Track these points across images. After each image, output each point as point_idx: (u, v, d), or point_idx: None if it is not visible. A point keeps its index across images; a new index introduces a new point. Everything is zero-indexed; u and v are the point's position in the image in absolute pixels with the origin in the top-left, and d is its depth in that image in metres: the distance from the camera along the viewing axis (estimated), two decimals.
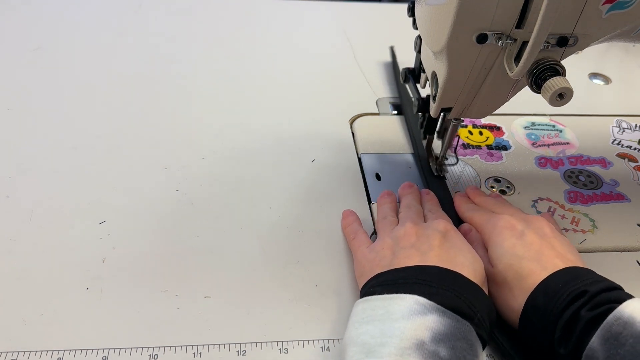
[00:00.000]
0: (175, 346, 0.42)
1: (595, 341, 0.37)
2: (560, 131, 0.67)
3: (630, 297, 0.39)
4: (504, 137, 0.66)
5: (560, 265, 0.42)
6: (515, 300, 0.42)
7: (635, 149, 0.66)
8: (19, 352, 0.41)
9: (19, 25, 0.80)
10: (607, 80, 0.79)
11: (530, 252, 0.43)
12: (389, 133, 0.65)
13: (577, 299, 0.39)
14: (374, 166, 0.60)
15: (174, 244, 0.50)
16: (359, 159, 0.62)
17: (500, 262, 0.44)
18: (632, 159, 0.64)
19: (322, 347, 0.43)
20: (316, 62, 0.78)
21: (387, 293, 0.39)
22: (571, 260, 0.43)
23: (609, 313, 0.37)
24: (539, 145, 0.65)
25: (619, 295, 0.39)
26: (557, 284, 0.40)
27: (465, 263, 0.42)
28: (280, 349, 0.43)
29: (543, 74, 0.40)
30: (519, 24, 0.40)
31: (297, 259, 0.50)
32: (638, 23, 0.43)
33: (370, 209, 0.55)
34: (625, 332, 0.36)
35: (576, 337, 0.38)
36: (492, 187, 0.58)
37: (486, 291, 0.43)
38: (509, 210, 0.50)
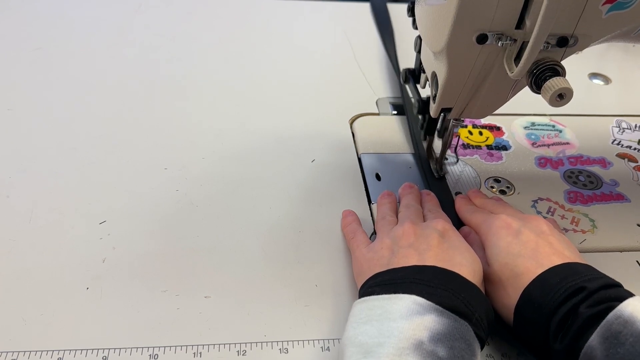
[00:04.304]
0: (175, 346, 0.42)
1: (594, 339, 0.37)
2: (560, 131, 0.67)
3: (629, 294, 0.39)
4: (504, 137, 0.66)
5: (557, 262, 0.41)
6: (510, 298, 0.42)
7: (635, 149, 0.66)
8: (19, 352, 0.41)
9: (19, 25, 0.80)
10: (607, 80, 0.79)
11: (526, 250, 0.43)
12: (389, 133, 0.65)
13: (575, 294, 0.39)
14: (374, 166, 0.60)
15: (174, 244, 0.50)
16: (359, 159, 0.62)
17: (496, 262, 0.43)
18: (632, 159, 0.64)
19: (322, 347, 0.43)
20: (316, 62, 0.78)
21: (385, 293, 0.39)
22: (569, 257, 0.42)
23: (609, 311, 0.37)
24: (539, 145, 0.65)
25: (618, 292, 0.39)
26: (554, 279, 0.40)
27: (464, 263, 0.42)
28: (280, 349, 0.43)
29: (543, 74, 0.40)
30: (519, 24, 0.40)
31: (297, 259, 0.50)
32: (638, 23, 0.43)
33: (370, 209, 0.55)
34: (625, 331, 0.36)
35: (574, 333, 0.38)
36: (492, 187, 0.58)
37: (484, 291, 0.43)
38: (508, 211, 0.50)
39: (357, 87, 0.73)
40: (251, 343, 0.43)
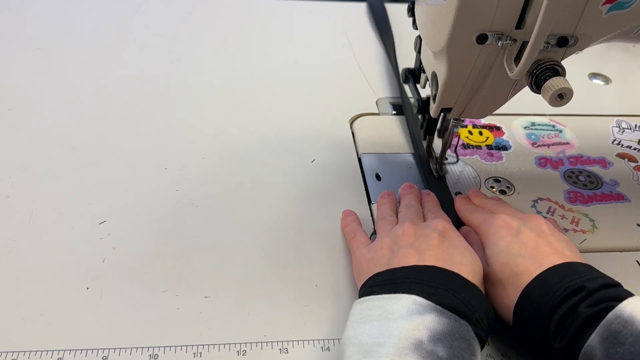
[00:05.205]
0: (175, 346, 0.42)
1: (594, 339, 0.37)
2: (560, 131, 0.67)
3: (629, 294, 0.39)
4: (504, 137, 0.66)
5: (557, 261, 0.41)
6: (510, 298, 0.42)
7: (635, 149, 0.66)
8: (19, 352, 0.41)
9: (19, 25, 0.80)
10: (607, 80, 0.79)
11: (526, 250, 0.43)
12: (389, 133, 0.65)
13: (575, 294, 0.39)
14: (374, 166, 0.60)
15: (174, 244, 0.50)
16: (359, 159, 0.62)
17: (496, 261, 0.43)
18: (632, 159, 0.64)
19: (322, 347, 0.43)
20: (316, 62, 0.78)
21: (385, 293, 0.39)
22: (569, 256, 0.42)
23: (609, 311, 0.37)
24: (539, 145, 0.65)
25: (618, 292, 0.39)
26: (554, 279, 0.40)
27: (464, 262, 0.42)
28: (280, 349, 0.43)
29: (543, 74, 0.40)
30: (519, 24, 0.40)
31: (297, 259, 0.50)
32: (638, 23, 0.43)
33: (370, 209, 0.55)
34: (625, 330, 0.36)
35: (573, 332, 0.38)
36: (492, 187, 0.58)
37: (484, 291, 0.43)
38: (508, 211, 0.50)
39: (357, 87, 0.73)
40: (251, 343, 0.43)
